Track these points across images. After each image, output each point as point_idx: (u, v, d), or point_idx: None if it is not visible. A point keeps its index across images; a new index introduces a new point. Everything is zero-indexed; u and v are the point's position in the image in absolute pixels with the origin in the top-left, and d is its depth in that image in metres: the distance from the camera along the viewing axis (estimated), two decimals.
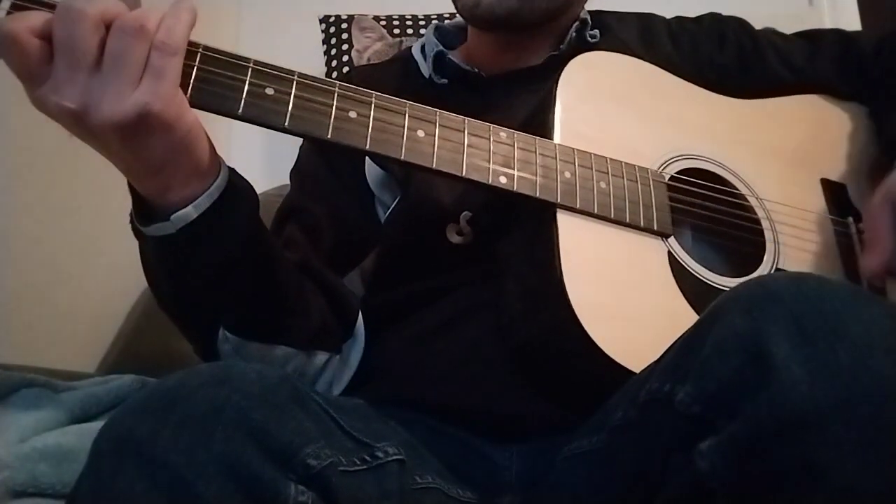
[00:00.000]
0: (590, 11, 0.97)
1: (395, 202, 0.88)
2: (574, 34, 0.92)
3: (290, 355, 0.75)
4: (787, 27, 1.02)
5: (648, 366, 0.58)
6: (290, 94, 0.62)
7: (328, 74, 1.56)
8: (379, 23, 1.55)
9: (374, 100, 0.66)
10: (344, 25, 1.58)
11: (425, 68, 0.94)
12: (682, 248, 0.75)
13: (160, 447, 0.48)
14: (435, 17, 1.54)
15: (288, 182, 0.96)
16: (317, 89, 0.64)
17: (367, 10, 1.59)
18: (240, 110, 0.60)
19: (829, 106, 0.92)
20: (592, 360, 0.64)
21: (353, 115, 0.64)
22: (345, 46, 1.57)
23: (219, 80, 0.60)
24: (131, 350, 1.17)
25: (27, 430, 0.71)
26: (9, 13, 0.55)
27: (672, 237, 0.74)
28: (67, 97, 0.55)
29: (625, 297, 0.70)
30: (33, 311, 1.11)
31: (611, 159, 0.74)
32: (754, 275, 0.77)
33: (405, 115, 0.67)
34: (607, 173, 0.73)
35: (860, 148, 0.90)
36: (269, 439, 0.49)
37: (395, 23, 1.56)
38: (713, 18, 1.00)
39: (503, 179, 0.69)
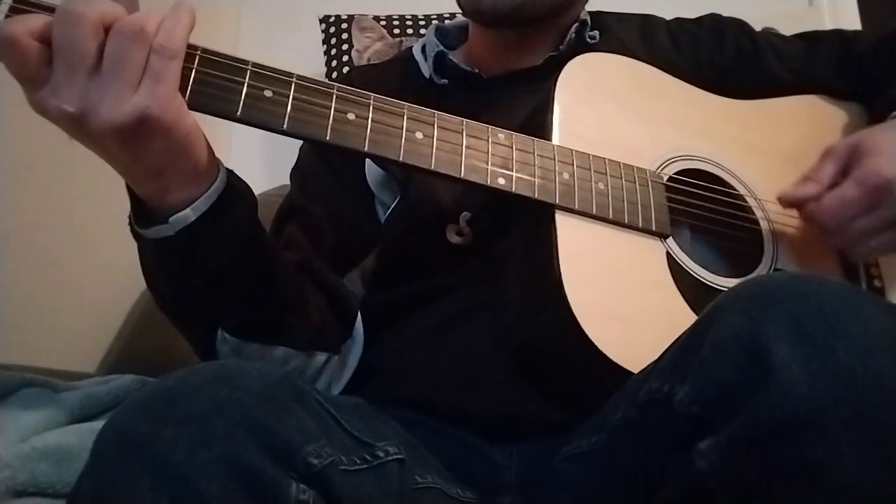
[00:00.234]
0: (590, 12, 0.97)
1: (395, 202, 0.88)
2: (573, 35, 0.92)
3: (290, 356, 0.75)
4: (787, 27, 1.02)
5: (647, 366, 0.58)
6: (288, 96, 0.62)
7: (328, 74, 1.56)
8: (379, 23, 1.55)
9: (372, 101, 0.66)
10: (344, 25, 1.58)
11: (426, 68, 0.94)
12: (681, 248, 0.75)
13: (161, 446, 0.47)
14: (435, 17, 1.54)
15: (288, 182, 0.96)
16: (315, 91, 0.64)
17: (367, 10, 1.59)
18: (238, 113, 0.60)
19: (827, 106, 0.92)
20: (591, 360, 0.64)
21: (351, 116, 0.64)
22: (345, 46, 1.56)
23: (217, 82, 0.60)
24: (131, 350, 1.17)
25: (27, 430, 0.71)
26: (8, 16, 0.55)
27: (670, 238, 0.74)
28: (66, 100, 0.55)
29: (623, 297, 0.70)
30: (33, 311, 1.11)
31: (609, 160, 0.74)
32: (753, 275, 0.77)
33: (403, 116, 0.67)
34: (605, 174, 0.73)
35: None
36: (270, 437, 0.49)
37: (395, 23, 1.56)
38: (713, 19, 1.00)
39: (501, 181, 0.69)
